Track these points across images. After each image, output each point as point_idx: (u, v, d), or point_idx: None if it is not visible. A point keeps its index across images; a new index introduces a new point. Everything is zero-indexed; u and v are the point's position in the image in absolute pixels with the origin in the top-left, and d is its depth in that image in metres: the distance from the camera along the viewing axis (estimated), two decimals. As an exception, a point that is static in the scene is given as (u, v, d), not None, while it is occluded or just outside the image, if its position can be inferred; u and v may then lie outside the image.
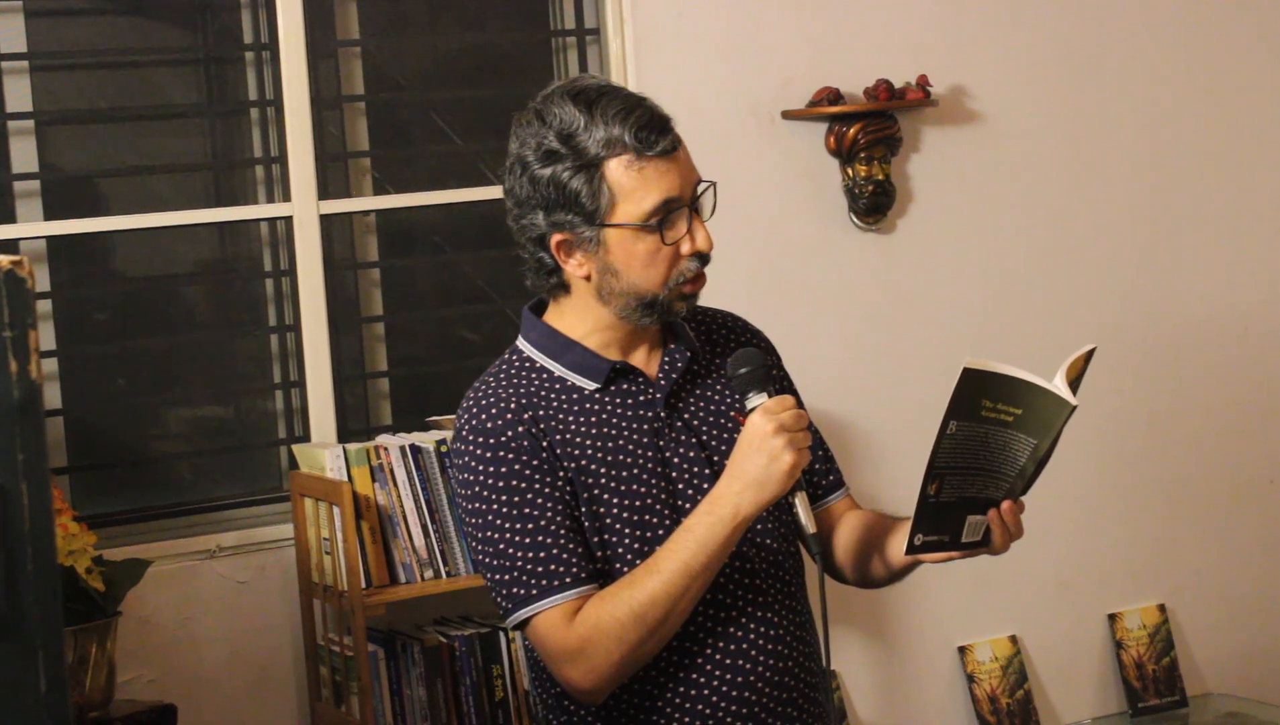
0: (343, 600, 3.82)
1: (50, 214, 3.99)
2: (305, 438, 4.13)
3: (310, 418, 4.12)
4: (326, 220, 4.15)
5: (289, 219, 4.12)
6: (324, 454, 3.89)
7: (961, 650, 4.64)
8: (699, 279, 2.48)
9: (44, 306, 3.99)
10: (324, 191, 4.15)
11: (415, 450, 3.92)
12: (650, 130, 2.42)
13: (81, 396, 4.05)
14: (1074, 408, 2.33)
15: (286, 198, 4.12)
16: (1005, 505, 2.42)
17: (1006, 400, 2.32)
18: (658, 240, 2.43)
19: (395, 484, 3.90)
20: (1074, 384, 2.35)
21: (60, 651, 1.50)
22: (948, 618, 4.61)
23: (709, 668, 2.48)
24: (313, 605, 3.97)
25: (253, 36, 4.19)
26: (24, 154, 3.99)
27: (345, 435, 4.14)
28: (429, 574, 3.90)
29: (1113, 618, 4.81)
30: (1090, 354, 2.39)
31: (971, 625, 4.66)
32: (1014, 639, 4.69)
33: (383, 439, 3.98)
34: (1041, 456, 2.38)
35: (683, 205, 2.45)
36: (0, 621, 1.48)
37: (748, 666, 2.49)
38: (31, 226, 3.96)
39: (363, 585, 3.80)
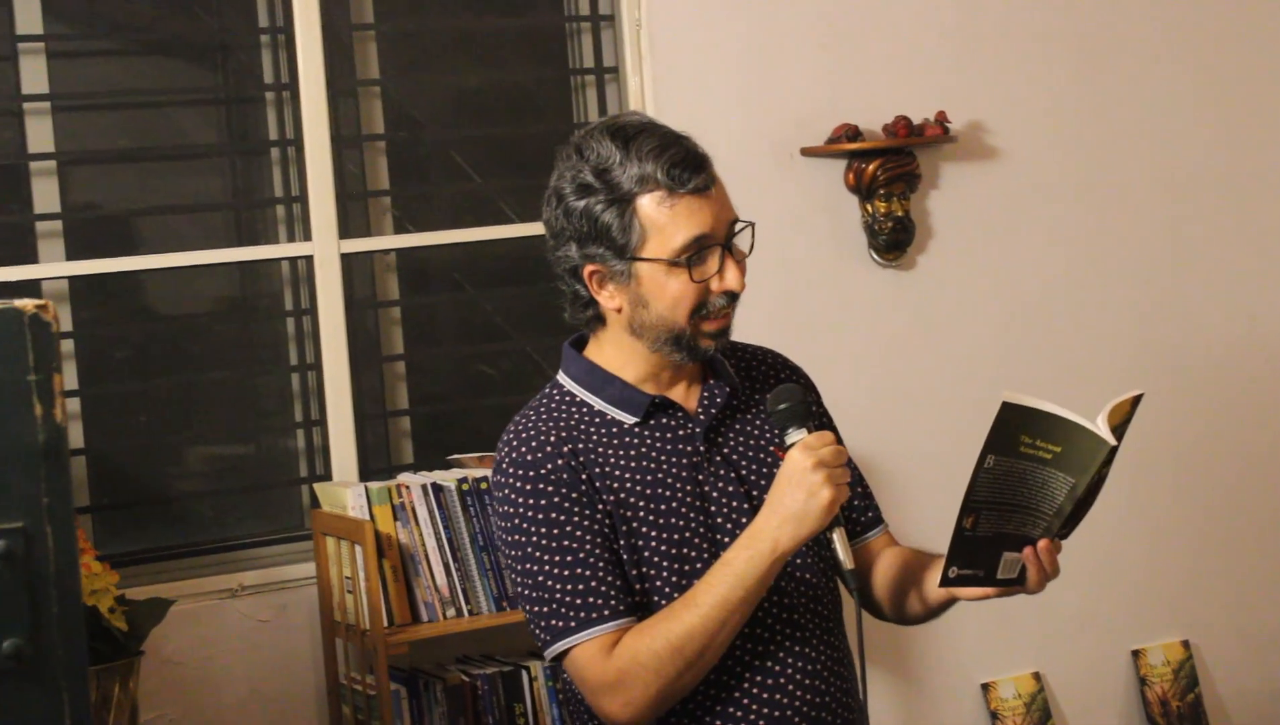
0: (365, 639, 3.82)
1: (72, 254, 4.01)
2: (327, 476, 4.13)
3: (331, 456, 4.12)
4: (347, 259, 4.16)
5: (309, 258, 4.13)
6: (346, 493, 3.89)
7: (984, 687, 4.62)
8: (724, 316, 2.50)
9: (66, 346, 4.00)
10: (344, 230, 4.16)
11: (437, 489, 3.92)
12: (683, 168, 2.44)
13: (104, 435, 4.06)
14: (1113, 448, 2.31)
15: (307, 237, 4.13)
16: (1042, 544, 2.41)
17: (1045, 437, 2.31)
18: (687, 277, 2.45)
19: (417, 522, 3.90)
20: (1120, 428, 2.34)
21: (85, 692, 1.50)
22: (970, 654, 4.59)
23: (746, 701, 2.49)
24: (335, 644, 3.97)
25: (273, 76, 4.21)
26: (47, 194, 4.01)
27: (366, 474, 4.15)
28: (451, 612, 3.90)
29: (1136, 654, 4.79)
30: (1137, 399, 2.39)
31: (994, 662, 4.64)
32: (1037, 675, 4.68)
33: (404, 477, 3.99)
34: (1081, 496, 2.36)
35: (715, 243, 2.47)
36: (26, 663, 1.48)
37: (784, 700, 2.49)
38: (54, 267, 3.98)
39: (385, 624, 3.80)
